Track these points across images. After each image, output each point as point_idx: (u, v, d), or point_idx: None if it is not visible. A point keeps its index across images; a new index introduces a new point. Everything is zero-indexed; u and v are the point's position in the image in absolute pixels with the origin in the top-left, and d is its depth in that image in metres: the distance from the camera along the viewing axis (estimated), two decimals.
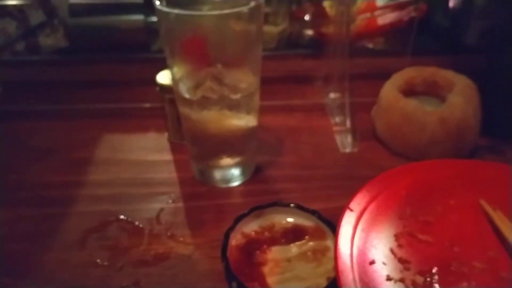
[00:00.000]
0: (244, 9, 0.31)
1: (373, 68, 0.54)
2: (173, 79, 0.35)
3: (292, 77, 0.57)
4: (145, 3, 0.60)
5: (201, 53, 0.34)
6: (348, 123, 0.46)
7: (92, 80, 0.58)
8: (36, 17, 0.64)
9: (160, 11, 0.31)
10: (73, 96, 0.55)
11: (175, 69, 0.35)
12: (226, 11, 0.31)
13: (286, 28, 0.61)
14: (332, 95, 0.49)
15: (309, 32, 0.62)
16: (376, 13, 0.60)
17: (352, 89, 0.51)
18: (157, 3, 0.31)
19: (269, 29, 0.60)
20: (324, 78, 0.53)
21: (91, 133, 0.48)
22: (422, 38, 0.63)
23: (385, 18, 0.60)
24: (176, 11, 0.30)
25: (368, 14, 0.60)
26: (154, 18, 0.47)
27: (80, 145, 0.46)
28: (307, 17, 0.63)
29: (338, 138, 0.46)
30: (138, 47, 0.60)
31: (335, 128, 0.47)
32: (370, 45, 0.62)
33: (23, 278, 0.32)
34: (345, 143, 0.45)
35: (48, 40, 0.64)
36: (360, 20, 0.60)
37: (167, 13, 0.30)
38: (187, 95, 0.35)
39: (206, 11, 0.35)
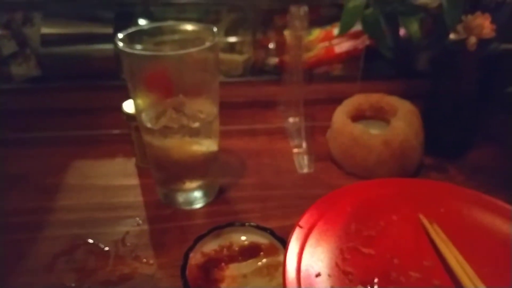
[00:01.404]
0: (201, 49, 0.34)
1: (330, 93, 0.58)
2: (136, 110, 0.38)
3: (256, 103, 0.61)
4: (114, 33, 0.63)
5: (162, 86, 0.37)
6: (304, 146, 0.49)
7: (63, 107, 0.59)
8: (9, 47, 0.66)
9: (122, 50, 0.34)
10: (45, 124, 0.57)
11: (138, 101, 0.38)
12: (184, 51, 0.34)
13: (251, 56, 0.65)
14: (291, 119, 0.53)
15: (273, 59, 0.67)
16: (334, 41, 0.65)
17: (310, 114, 0.55)
18: (120, 44, 0.34)
19: (235, 57, 0.64)
20: (285, 103, 0.57)
21: (62, 159, 0.50)
22: (377, 64, 0.68)
23: (342, 47, 0.65)
24: (137, 52, 0.33)
25: (326, 43, 0.65)
26: None
27: (51, 172, 0.48)
28: (271, 45, 0.68)
29: (296, 160, 0.49)
30: (108, 75, 0.63)
31: (294, 150, 0.51)
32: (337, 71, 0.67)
33: None
34: (302, 164, 0.48)
35: (20, 69, 0.66)
36: (319, 48, 0.65)
37: (129, 53, 0.34)
38: (149, 125, 0.38)
39: (166, 47, 0.39)
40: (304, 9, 0.45)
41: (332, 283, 0.32)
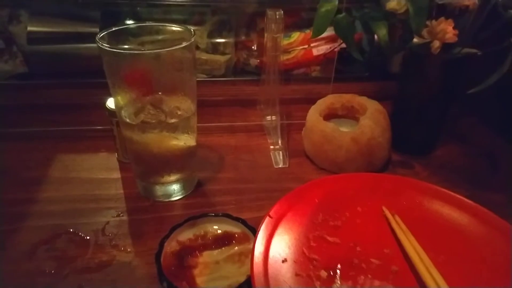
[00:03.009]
0: (178, 48, 0.37)
1: (307, 93, 0.61)
2: (116, 106, 0.40)
3: (236, 101, 0.63)
4: (99, 32, 0.65)
5: (141, 83, 0.39)
6: (280, 142, 0.52)
7: (49, 104, 0.61)
8: None
9: (101, 48, 0.36)
10: (30, 119, 0.58)
11: (118, 97, 0.40)
12: (161, 50, 0.36)
13: (233, 57, 0.68)
14: (268, 118, 0.55)
15: (254, 60, 0.69)
16: (312, 44, 0.67)
17: (288, 112, 0.58)
18: (99, 42, 0.36)
19: (217, 58, 0.66)
20: (264, 102, 0.59)
21: (46, 153, 0.52)
22: (354, 66, 0.71)
23: (320, 50, 0.67)
24: (116, 49, 0.35)
25: (305, 46, 0.68)
26: None
27: (34, 165, 0.50)
28: (254, 47, 0.70)
29: (272, 156, 0.52)
30: (93, 73, 0.64)
31: (270, 147, 0.53)
32: (315, 72, 0.69)
33: None
34: (278, 160, 0.51)
35: (6, 66, 0.67)
36: (298, 51, 0.68)
37: (108, 50, 0.35)
38: (128, 120, 0.40)
39: (149, 47, 0.41)
40: (279, 13, 0.47)
41: (297, 268, 0.35)
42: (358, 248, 0.37)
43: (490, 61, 0.44)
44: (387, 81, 0.60)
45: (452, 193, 0.42)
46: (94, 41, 0.63)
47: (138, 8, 0.70)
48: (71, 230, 0.41)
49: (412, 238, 0.37)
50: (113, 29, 0.39)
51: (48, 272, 0.36)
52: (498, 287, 0.34)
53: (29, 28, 0.65)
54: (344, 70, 0.70)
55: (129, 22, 0.69)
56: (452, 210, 0.40)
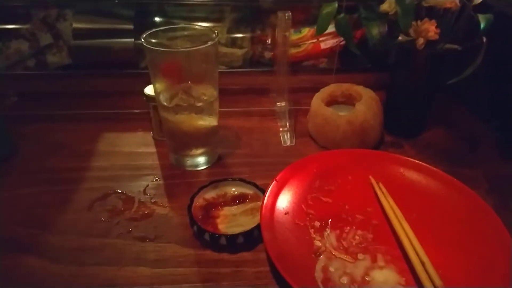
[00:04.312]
0: (205, 46, 0.46)
1: (313, 83, 0.69)
2: (155, 92, 0.50)
3: (252, 90, 0.72)
4: (134, 28, 0.74)
5: (175, 74, 0.49)
6: (287, 125, 0.61)
7: (92, 91, 0.72)
8: (45, 39, 0.77)
9: (145, 47, 0.46)
10: (77, 104, 0.69)
11: (157, 85, 0.49)
12: (192, 48, 0.46)
13: (249, 50, 0.77)
14: (278, 104, 0.64)
15: (269, 53, 0.78)
16: (320, 39, 0.76)
17: (296, 99, 0.67)
18: (143, 42, 0.46)
19: (235, 51, 0.75)
20: (275, 91, 0.68)
21: (93, 132, 0.62)
22: (357, 59, 0.79)
23: (327, 43, 0.76)
24: (157, 48, 0.45)
25: (314, 40, 0.76)
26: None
27: (85, 141, 0.60)
28: (268, 41, 0.79)
29: (281, 136, 0.61)
30: (128, 64, 0.74)
31: (280, 129, 0.62)
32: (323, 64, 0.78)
33: (47, 230, 0.46)
34: (286, 139, 0.60)
35: (54, 58, 0.77)
36: (308, 44, 0.76)
37: (151, 49, 0.45)
38: (165, 103, 0.50)
39: (178, 44, 0.50)
40: (288, 14, 0.56)
41: (296, 219, 0.44)
42: (346, 207, 0.47)
43: (471, 55, 0.52)
44: (384, 73, 0.68)
45: (429, 166, 0.50)
46: (128, 36, 0.74)
47: (166, 7, 0.79)
48: (119, 190, 0.51)
49: (391, 200, 0.46)
50: (151, 31, 0.49)
51: (104, 220, 0.47)
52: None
53: (74, 25, 0.75)
54: (349, 62, 0.78)
55: (158, 19, 0.79)
56: (426, 179, 0.49)
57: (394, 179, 0.50)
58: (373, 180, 0.50)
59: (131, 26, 0.74)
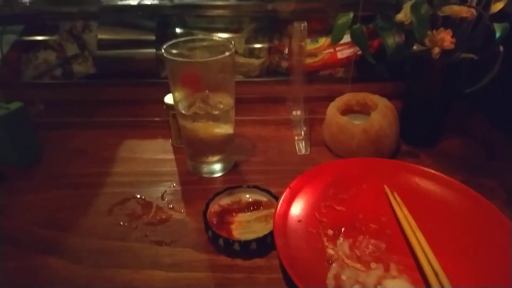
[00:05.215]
0: (222, 57, 0.48)
1: (330, 92, 0.69)
2: (174, 101, 0.52)
3: (268, 98, 0.73)
4: (156, 39, 0.77)
5: (193, 83, 0.50)
6: (303, 133, 0.61)
7: (115, 99, 0.74)
8: (71, 49, 0.81)
9: (165, 57, 0.48)
10: (100, 111, 0.72)
11: (176, 93, 0.51)
12: (210, 59, 0.47)
13: (266, 60, 0.78)
14: (294, 113, 0.65)
15: (285, 63, 0.79)
16: (337, 48, 0.76)
17: (312, 108, 0.67)
18: (164, 52, 0.48)
19: (252, 61, 0.77)
20: (292, 99, 0.69)
21: (115, 139, 0.65)
22: (376, 68, 0.79)
23: (343, 53, 0.76)
24: (176, 59, 0.47)
25: (331, 49, 0.77)
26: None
27: (107, 147, 0.63)
28: (285, 51, 0.80)
29: (296, 144, 0.62)
30: (150, 74, 0.77)
31: (295, 137, 0.63)
32: (339, 74, 0.78)
33: (68, 232, 0.48)
34: (301, 147, 0.61)
35: (80, 68, 0.80)
36: (324, 54, 0.77)
37: (170, 59, 0.47)
38: (183, 112, 0.51)
39: (198, 54, 0.52)
40: (304, 25, 0.57)
41: (309, 226, 0.45)
42: (360, 216, 0.47)
43: (487, 63, 0.52)
44: (400, 81, 0.68)
45: (445, 176, 0.50)
46: (150, 47, 0.77)
47: (187, 19, 0.81)
48: (138, 196, 0.53)
49: (405, 210, 0.46)
50: (172, 42, 0.51)
51: (122, 224, 0.49)
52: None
53: (99, 36, 0.78)
54: (366, 71, 0.78)
55: (179, 30, 0.81)
56: (442, 189, 0.49)
57: (409, 188, 0.50)
58: (387, 190, 0.49)
59: (153, 37, 0.77)
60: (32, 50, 0.80)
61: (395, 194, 0.49)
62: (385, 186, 0.50)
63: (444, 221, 0.45)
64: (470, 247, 0.42)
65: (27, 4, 0.76)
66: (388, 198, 0.49)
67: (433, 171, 0.51)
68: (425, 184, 0.50)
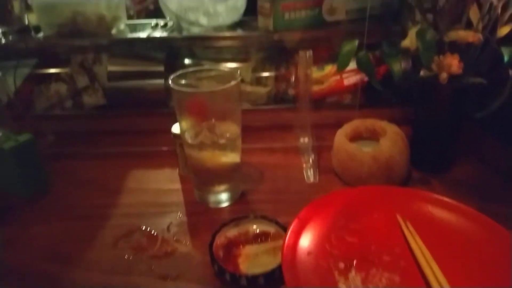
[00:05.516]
0: (227, 86, 0.48)
1: (337, 118, 0.69)
2: (181, 130, 0.52)
3: (275, 126, 0.73)
4: (165, 70, 0.78)
5: (199, 113, 0.50)
6: (311, 161, 0.61)
7: (124, 129, 0.75)
8: (82, 81, 0.82)
9: (172, 88, 0.48)
10: (109, 142, 0.72)
11: (183, 123, 0.51)
12: (216, 89, 0.48)
13: (273, 88, 0.78)
14: (302, 140, 0.65)
15: (292, 90, 0.79)
16: (343, 75, 0.76)
17: (320, 135, 0.67)
18: (170, 83, 0.48)
19: (259, 89, 0.77)
20: (299, 127, 0.68)
21: (123, 169, 0.65)
22: (384, 94, 0.78)
23: (350, 80, 0.76)
24: (183, 89, 0.47)
25: (337, 76, 0.77)
26: None
27: (114, 178, 0.63)
28: (292, 79, 0.80)
29: (304, 172, 0.61)
30: (159, 104, 0.78)
31: (303, 165, 0.62)
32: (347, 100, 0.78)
33: (72, 266, 0.47)
34: (309, 175, 0.60)
35: (90, 99, 0.82)
36: (331, 81, 0.77)
37: (177, 90, 0.47)
38: (190, 141, 0.51)
39: (205, 84, 0.52)
40: (309, 53, 0.57)
41: (319, 259, 0.43)
42: (372, 247, 0.45)
43: (496, 86, 0.51)
44: (409, 107, 0.67)
45: (459, 204, 0.48)
46: (160, 78, 0.78)
47: (195, 50, 0.83)
48: (143, 227, 0.52)
49: (419, 240, 0.44)
50: (179, 72, 0.51)
51: (127, 258, 0.48)
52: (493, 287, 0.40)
53: (109, 68, 0.80)
54: (374, 97, 0.78)
55: (188, 60, 0.82)
56: (457, 218, 0.47)
57: (422, 217, 0.48)
58: (400, 219, 0.48)
59: (162, 68, 0.78)
60: (44, 82, 0.82)
61: (408, 223, 0.47)
62: (397, 215, 0.48)
63: (460, 251, 0.43)
64: (488, 280, 0.39)
65: (41, 39, 0.79)
66: (401, 228, 0.47)
67: (446, 199, 0.49)
68: (439, 213, 0.48)
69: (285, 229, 0.47)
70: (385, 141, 0.55)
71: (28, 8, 0.79)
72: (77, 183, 0.62)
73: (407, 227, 0.46)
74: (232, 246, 0.46)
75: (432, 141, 0.58)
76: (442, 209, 0.48)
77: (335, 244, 0.45)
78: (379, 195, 0.51)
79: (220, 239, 0.47)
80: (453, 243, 0.44)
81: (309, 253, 0.43)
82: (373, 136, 0.59)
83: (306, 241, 0.45)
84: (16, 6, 0.79)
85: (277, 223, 0.48)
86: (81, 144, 0.73)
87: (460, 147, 0.59)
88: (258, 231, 0.48)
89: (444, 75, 0.52)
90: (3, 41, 0.77)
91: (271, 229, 0.48)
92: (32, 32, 0.80)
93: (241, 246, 0.46)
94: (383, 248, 0.45)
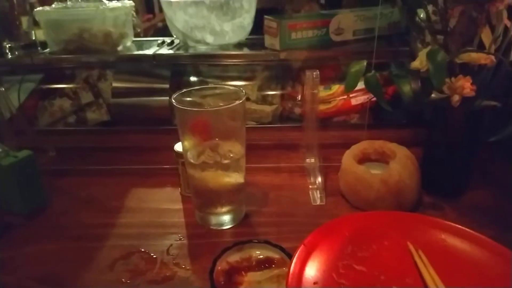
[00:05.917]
0: (231, 105, 0.46)
1: (345, 139, 0.67)
2: (183, 149, 0.50)
3: (281, 145, 0.71)
4: (170, 87, 0.77)
5: (202, 132, 0.49)
6: (317, 182, 0.59)
7: (126, 146, 0.74)
8: (86, 97, 0.82)
9: (175, 106, 0.47)
10: (111, 158, 0.71)
11: (185, 142, 0.50)
12: (220, 107, 0.46)
13: (279, 106, 0.77)
14: (308, 160, 0.63)
15: (298, 109, 0.78)
16: (351, 95, 0.75)
17: (327, 155, 0.65)
18: (173, 101, 0.47)
19: (264, 108, 0.76)
20: (306, 146, 0.67)
21: (123, 187, 0.63)
22: (393, 114, 0.77)
23: (358, 99, 0.75)
24: (185, 107, 0.46)
25: (344, 96, 0.76)
26: None
27: (114, 196, 0.61)
28: (298, 97, 0.79)
29: (310, 194, 0.59)
30: (163, 121, 0.77)
31: (310, 186, 0.60)
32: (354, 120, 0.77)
33: None
34: (316, 197, 0.57)
35: (94, 115, 0.81)
36: (338, 101, 0.76)
37: (180, 108, 0.46)
38: (192, 161, 0.49)
39: (210, 102, 0.51)
40: (316, 73, 0.56)
41: None
42: (382, 277, 0.42)
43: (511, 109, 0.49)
44: (419, 128, 0.65)
45: (473, 232, 0.45)
46: (165, 95, 0.77)
47: (201, 67, 0.82)
48: (143, 249, 0.50)
49: (432, 270, 0.42)
50: (183, 90, 0.50)
51: (124, 281, 0.45)
52: None
53: (114, 85, 0.79)
54: (382, 117, 0.76)
55: (193, 78, 0.82)
56: (471, 247, 0.44)
57: (435, 246, 0.45)
58: (411, 247, 0.45)
59: (167, 85, 0.77)
60: (48, 97, 0.82)
61: (420, 252, 0.45)
62: (408, 243, 0.46)
63: (475, 282, 0.41)
64: None
65: (47, 55, 0.78)
66: (412, 257, 0.44)
67: (460, 226, 0.46)
68: (452, 241, 0.45)
69: (290, 256, 0.44)
70: (395, 164, 0.53)
71: (36, 24, 0.79)
72: (77, 200, 0.61)
73: (419, 256, 0.44)
74: (233, 272, 0.44)
75: (445, 165, 0.56)
76: (455, 237, 0.46)
77: (343, 273, 0.43)
78: (389, 221, 0.48)
79: (221, 265, 0.44)
80: (467, 274, 0.42)
81: (315, 283, 0.41)
82: (382, 158, 0.58)
83: (312, 269, 0.42)
84: (24, 22, 0.80)
85: (281, 248, 0.46)
86: (83, 160, 0.71)
87: (474, 171, 0.57)
88: (261, 257, 0.46)
89: (456, 98, 0.50)
90: (10, 55, 0.77)
91: (275, 255, 0.46)
92: (39, 48, 0.80)
93: (243, 273, 0.44)
94: (393, 278, 0.42)
